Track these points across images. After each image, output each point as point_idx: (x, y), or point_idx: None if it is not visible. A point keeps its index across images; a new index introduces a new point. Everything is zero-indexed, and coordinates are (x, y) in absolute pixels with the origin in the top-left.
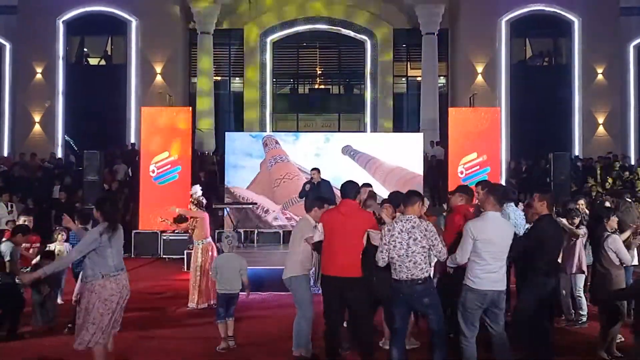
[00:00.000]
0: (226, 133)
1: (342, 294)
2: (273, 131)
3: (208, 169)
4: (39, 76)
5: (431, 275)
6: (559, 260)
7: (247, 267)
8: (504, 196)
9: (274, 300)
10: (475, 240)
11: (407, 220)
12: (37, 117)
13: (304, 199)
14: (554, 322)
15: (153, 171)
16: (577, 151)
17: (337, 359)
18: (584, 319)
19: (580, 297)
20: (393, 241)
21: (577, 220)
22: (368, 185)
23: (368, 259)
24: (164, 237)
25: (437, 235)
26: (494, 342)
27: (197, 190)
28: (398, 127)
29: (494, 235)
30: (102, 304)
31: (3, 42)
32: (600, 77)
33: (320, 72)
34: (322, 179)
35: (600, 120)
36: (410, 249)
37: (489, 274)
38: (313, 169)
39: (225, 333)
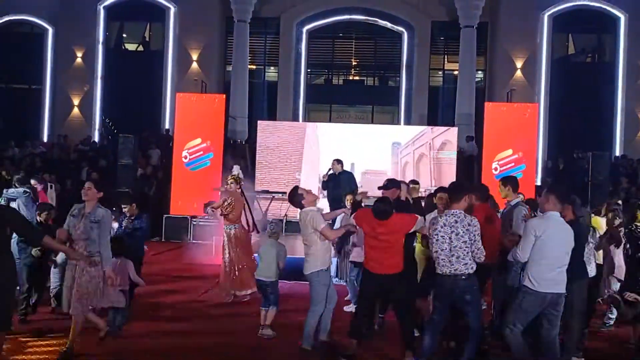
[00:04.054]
0: (258, 122)
1: (383, 289)
2: (305, 121)
3: (240, 157)
4: (79, 60)
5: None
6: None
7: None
8: (566, 196)
9: (300, 289)
10: (537, 239)
11: (451, 214)
12: (76, 101)
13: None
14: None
15: (185, 157)
16: (618, 151)
17: (359, 339)
18: (611, 322)
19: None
20: (436, 235)
21: (617, 221)
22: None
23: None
24: (194, 222)
25: (479, 232)
26: (544, 347)
27: (237, 169)
28: (433, 121)
29: (555, 235)
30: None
31: (46, 26)
32: None
33: (355, 63)
34: (344, 170)
35: None
36: (453, 243)
37: (550, 275)
38: (334, 160)
39: (263, 321)
